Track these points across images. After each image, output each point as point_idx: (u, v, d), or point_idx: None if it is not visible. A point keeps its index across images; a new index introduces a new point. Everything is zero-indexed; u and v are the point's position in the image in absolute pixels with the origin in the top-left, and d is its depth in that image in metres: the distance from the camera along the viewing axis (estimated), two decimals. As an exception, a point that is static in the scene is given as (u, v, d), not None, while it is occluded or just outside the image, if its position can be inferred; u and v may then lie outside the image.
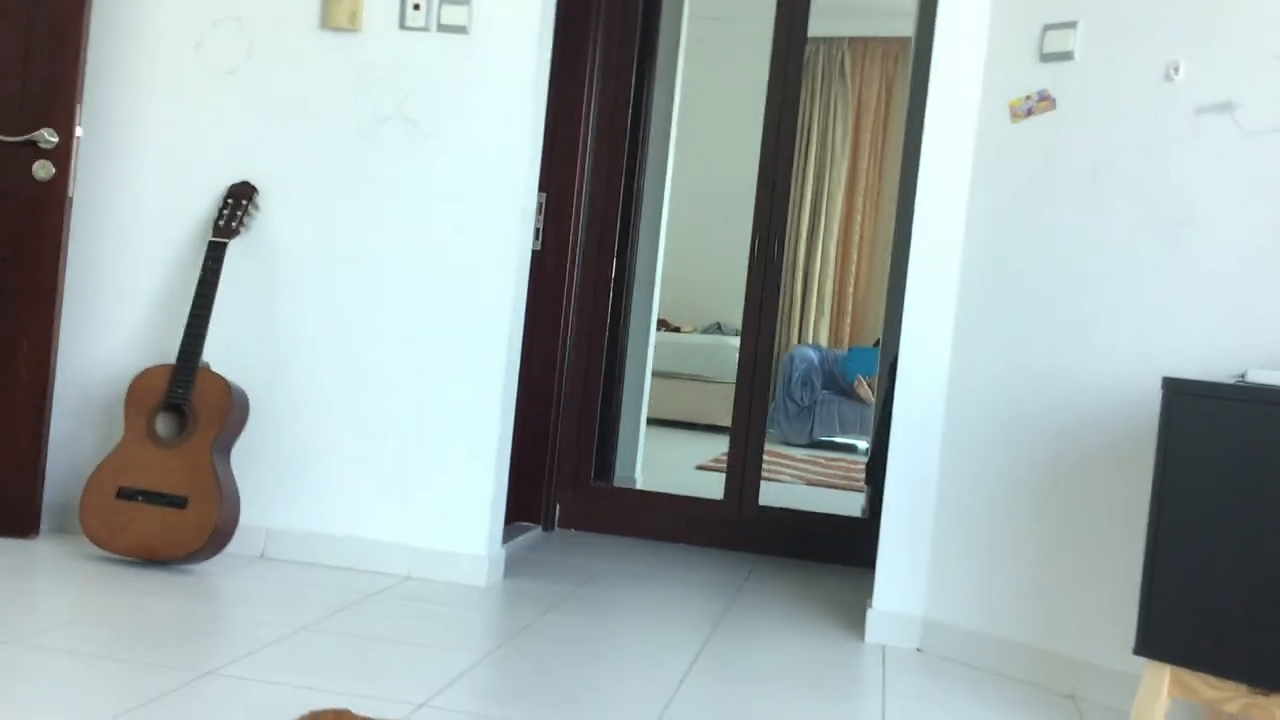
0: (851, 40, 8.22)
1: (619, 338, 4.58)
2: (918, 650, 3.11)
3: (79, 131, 3.34)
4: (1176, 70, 2.74)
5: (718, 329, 7.89)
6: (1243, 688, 2.14)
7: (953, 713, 2.61)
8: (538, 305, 4.13)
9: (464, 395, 3.38)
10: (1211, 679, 2.18)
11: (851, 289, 8.25)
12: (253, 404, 3.42)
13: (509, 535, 3.86)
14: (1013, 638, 2.95)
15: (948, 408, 3.13)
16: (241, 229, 3.40)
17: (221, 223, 3.37)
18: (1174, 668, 2.23)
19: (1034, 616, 2.92)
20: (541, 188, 4.02)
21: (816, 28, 8.04)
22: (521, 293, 3.47)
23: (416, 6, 3.37)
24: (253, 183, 3.45)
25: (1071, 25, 2.93)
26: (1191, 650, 2.19)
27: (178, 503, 3.16)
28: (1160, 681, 2.24)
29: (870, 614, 3.16)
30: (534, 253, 4.06)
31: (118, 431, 3.32)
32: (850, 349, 7.92)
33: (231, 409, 3.25)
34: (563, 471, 4.31)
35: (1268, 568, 2.11)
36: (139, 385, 3.27)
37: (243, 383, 3.43)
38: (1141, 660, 2.60)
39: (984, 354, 3.07)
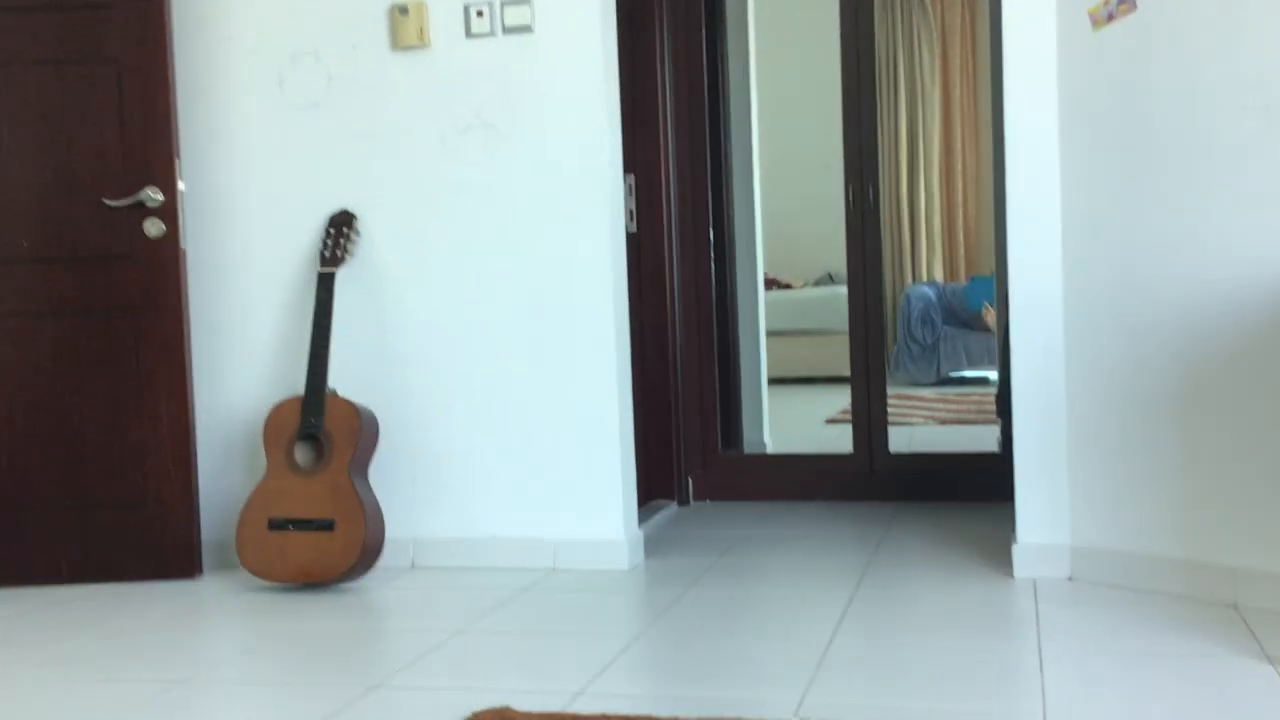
0: (927, -34, 8.03)
1: (728, 303, 4.58)
2: (1069, 579, 3.06)
3: (181, 186, 3.48)
4: (1258, -52, 2.62)
5: (829, 280, 7.82)
6: None
7: (1111, 638, 2.57)
8: (642, 285, 4.16)
9: (579, 383, 3.43)
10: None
11: (961, 220, 8.07)
12: (381, 421, 3.53)
13: (646, 515, 3.91)
14: (1164, 553, 2.89)
15: (1065, 327, 3.06)
16: (346, 256, 3.50)
17: (327, 253, 3.48)
18: (1333, 566, 2.16)
19: (1183, 528, 2.85)
20: (628, 169, 4.04)
21: (886, -39, 7.88)
22: (621, 275, 3.50)
23: (480, 13, 3.41)
24: (350, 209, 3.55)
25: (1141, -80, 2.82)
26: (1350, 546, 2.12)
27: (326, 526, 3.29)
28: (1321, 582, 2.17)
29: (1016, 549, 3.12)
30: (631, 234, 4.08)
31: (261, 466, 3.46)
32: (972, 278, 7.76)
33: (362, 430, 3.36)
34: (690, 445, 4.34)
35: None
36: (274, 420, 3.40)
37: (369, 402, 3.54)
38: (1302, 561, 2.52)
39: (1095, 267, 2.99)
